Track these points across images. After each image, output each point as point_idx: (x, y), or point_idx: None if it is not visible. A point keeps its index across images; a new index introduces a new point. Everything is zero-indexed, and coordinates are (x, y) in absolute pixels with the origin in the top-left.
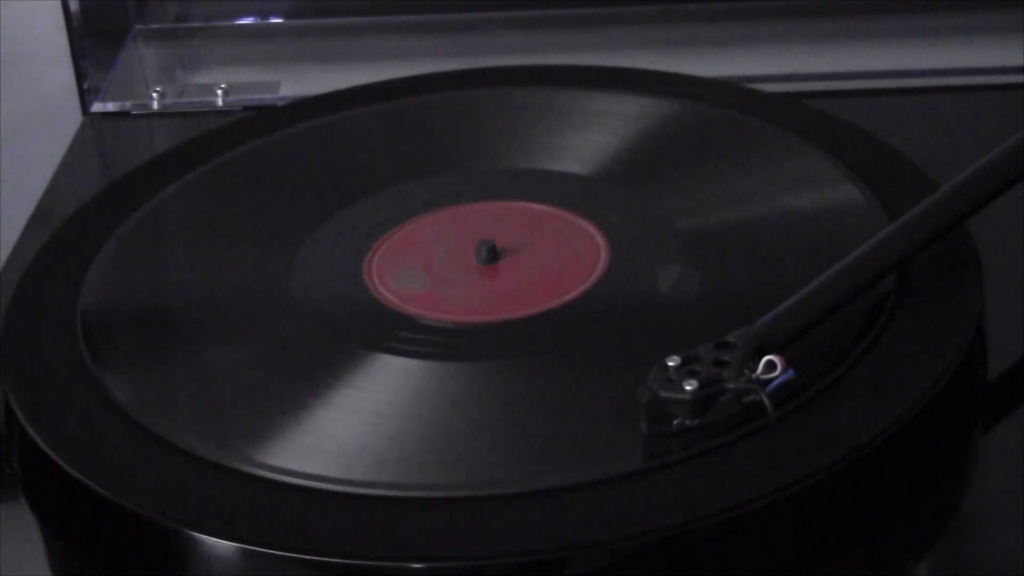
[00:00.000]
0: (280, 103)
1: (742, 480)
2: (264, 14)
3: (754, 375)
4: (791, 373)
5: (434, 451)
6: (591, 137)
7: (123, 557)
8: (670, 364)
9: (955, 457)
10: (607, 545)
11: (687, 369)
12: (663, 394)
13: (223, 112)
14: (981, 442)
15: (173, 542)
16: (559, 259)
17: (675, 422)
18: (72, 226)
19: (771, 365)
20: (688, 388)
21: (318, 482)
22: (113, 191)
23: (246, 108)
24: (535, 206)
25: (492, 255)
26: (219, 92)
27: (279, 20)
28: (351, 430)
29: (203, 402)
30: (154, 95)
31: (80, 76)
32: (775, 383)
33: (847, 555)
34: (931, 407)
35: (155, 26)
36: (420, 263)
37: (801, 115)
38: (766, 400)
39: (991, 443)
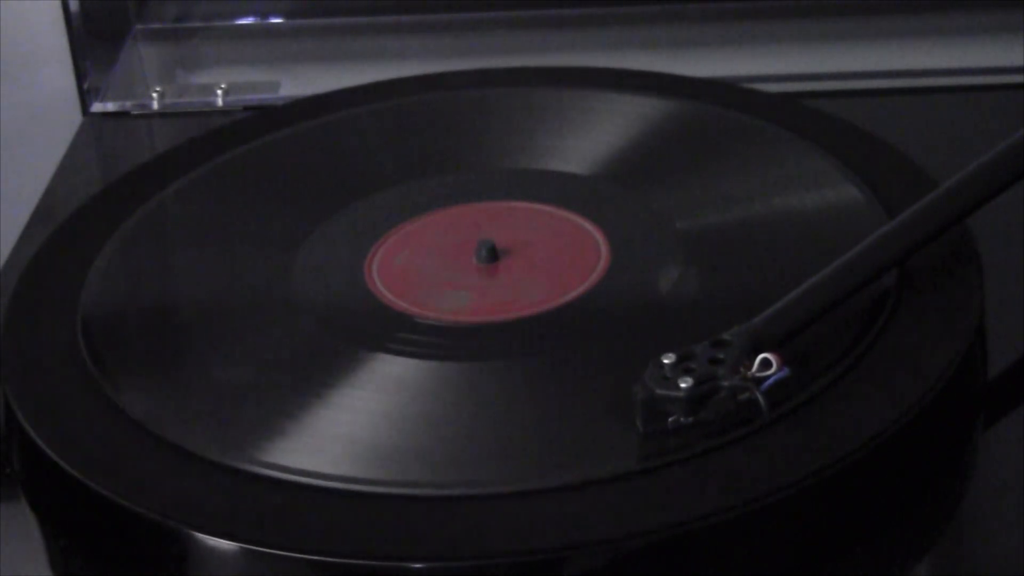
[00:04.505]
0: (280, 103)
1: (742, 480)
2: (264, 14)
3: (749, 373)
4: (786, 371)
5: (434, 451)
6: (591, 137)
7: (123, 557)
8: (665, 361)
9: (955, 457)
10: (607, 545)
11: (683, 367)
12: (658, 391)
13: (223, 112)
14: (981, 441)
15: (173, 542)
16: (559, 259)
17: (670, 419)
18: (72, 226)
19: (766, 363)
20: (683, 385)
21: (318, 481)
22: (113, 191)
23: (246, 108)
24: (535, 206)
25: (492, 255)
26: (219, 92)
27: (279, 20)
28: (351, 430)
29: (203, 401)
30: (154, 95)
31: (80, 76)
32: (770, 381)
33: (847, 555)
34: (931, 407)
35: (155, 26)
36: (459, 284)
37: (801, 115)
38: (761, 398)
39: (991, 442)
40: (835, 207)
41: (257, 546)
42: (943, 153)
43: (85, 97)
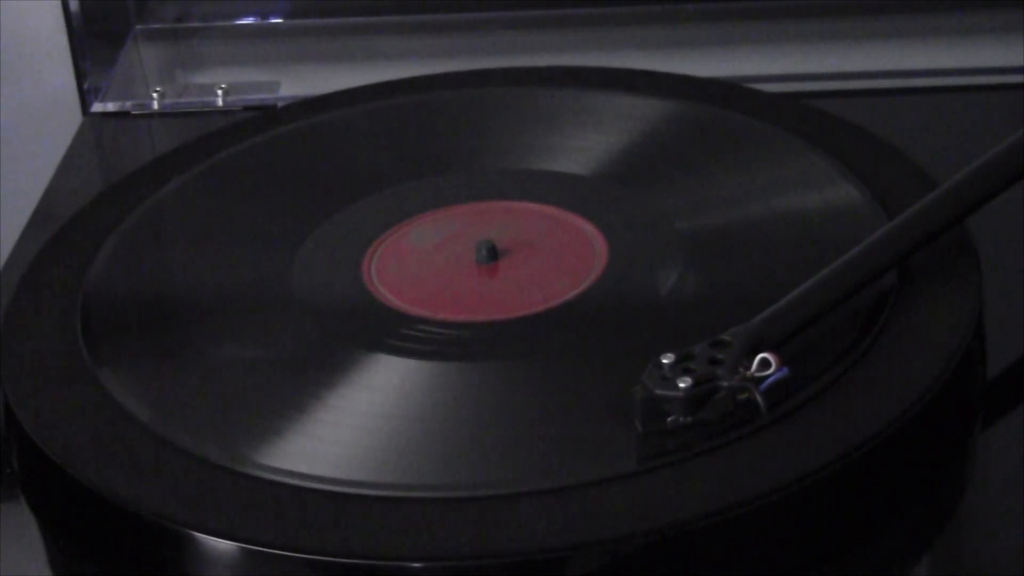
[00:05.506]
0: (280, 103)
1: (742, 480)
2: (264, 14)
3: (748, 373)
4: (785, 371)
5: (434, 451)
6: (591, 137)
7: (123, 557)
8: (665, 361)
9: (955, 457)
10: (607, 545)
11: (682, 367)
12: (657, 391)
13: (223, 112)
14: (981, 442)
15: (173, 542)
16: (559, 259)
17: (669, 419)
18: (72, 226)
19: (765, 363)
20: (682, 385)
21: (318, 482)
22: (113, 191)
23: (246, 108)
24: (535, 206)
25: (492, 255)
26: (219, 92)
27: (279, 20)
28: (350, 430)
29: (202, 402)
30: (154, 95)
31: (80, 76)
32: (769, 381)
33: (847, 555)
34: (931, 407)
35: (155, 26)
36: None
37: (801, 115)
38: (759, 398)
39: (991, 443)
40: (835, 207)
41: (257, 546)
42: (943, 153)
43: (85, 97)
